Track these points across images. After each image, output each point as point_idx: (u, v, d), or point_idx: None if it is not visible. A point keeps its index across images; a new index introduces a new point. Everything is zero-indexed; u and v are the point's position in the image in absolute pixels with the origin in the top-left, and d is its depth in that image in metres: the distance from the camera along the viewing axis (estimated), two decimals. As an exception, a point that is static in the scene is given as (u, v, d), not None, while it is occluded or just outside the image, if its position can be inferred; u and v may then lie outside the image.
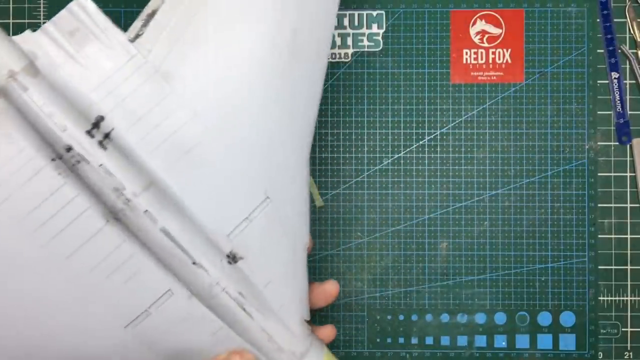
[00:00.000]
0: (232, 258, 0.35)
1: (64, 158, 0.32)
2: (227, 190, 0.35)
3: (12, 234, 0.33)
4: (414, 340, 0.49)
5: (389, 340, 0.49)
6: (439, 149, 0.50)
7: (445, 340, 0.49)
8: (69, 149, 0.32)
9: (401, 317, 0.49)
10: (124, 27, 0.34)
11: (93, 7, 0.34)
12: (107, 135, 0.33)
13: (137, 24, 0.34)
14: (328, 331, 0.40)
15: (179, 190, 0.34)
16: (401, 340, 0.49)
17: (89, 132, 0.33)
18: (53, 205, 0.33)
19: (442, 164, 0.50)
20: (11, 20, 0.50)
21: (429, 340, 0.49)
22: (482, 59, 0.50)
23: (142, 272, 0.34)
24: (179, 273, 0.34)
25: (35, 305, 0.33)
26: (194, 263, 0.34)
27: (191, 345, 0.35)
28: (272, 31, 0.35)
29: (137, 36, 0.34)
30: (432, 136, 0.50)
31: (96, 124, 0.33)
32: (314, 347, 0.37)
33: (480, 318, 0.49)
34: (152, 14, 0.34)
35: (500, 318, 0.49)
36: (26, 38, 0.33)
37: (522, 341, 0.49)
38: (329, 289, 0.39)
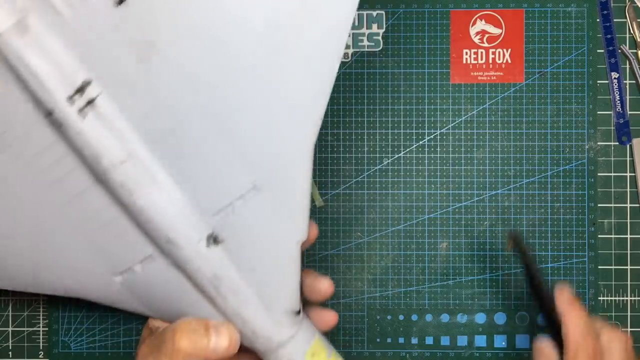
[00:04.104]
0: (213, 240, 0.35)
1: (52, 117, 0.33)
2: (210, 173, 0.34)
3: (15, 179, 0.34)
4: (414, 340, 0.49)
5: (389, 340, 0.49)
6: (439, 149, 0.50)
7: (445, 340, 0.49)
8: (51, 113, 0.32)
9: (401, 317, 0.49)
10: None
11: None
12: (90, 102, 0.32)
13: None
14: (327, 316, 0.39)
15: (159, 166, 0.33)
16: (401, 340, 0.49)
17: (70, 98, 0.32)
18: (48, 158, 0.33)
19: (442, 164, 0.50)
20: (11, 20, 0.50)
21: (429, 340, 0.49)
22: (482, 59, 0.50)
23: (125, 234, 0.35)
24: (157, 244, 0.35)
25: (29, 236, 0.35)
26: (167, 240, 0.34)
27: (174, 305, 0.36)
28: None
29: (122, 1, 0.32)
30: (432, 136, 0.50)
31: (81, 89, 0.32)
32: (297, 337, 0.36)
33: (480, 318, 0.49)
34: None
35: (500, 318, 0.49)
36: None
37: (522, 341, 0.49)
38: (323, 289, 0.38)
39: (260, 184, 0.34)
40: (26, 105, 0.32)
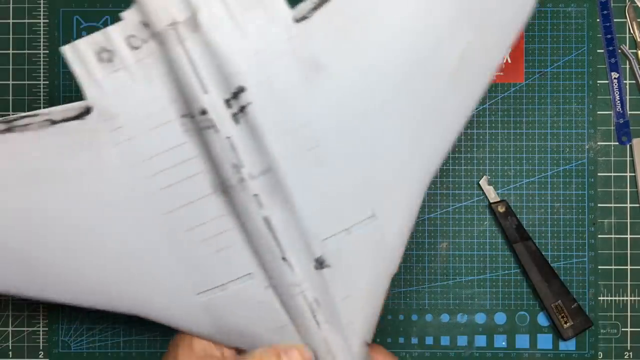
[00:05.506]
0: (320, 263, 0.34)
1: (195, 119, 0.32)
2: (336, 196, 0.34)
3: (123, 174, 0.33)
4: (414, 340, 0.49)
5: (389, 340, 0.49)
6: (439, 149, 0.50)
7: (445, 340, 0.49)
8: (204, 112, 0.32)
9: (401, 317, 0.49)
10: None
11: None
12: (242, 109, 0.32)
13: (307, 5, 0.33)
14: (382, 355, 0.38)
15: (292, 183, 0.33)
16: (401, 340, 0.49)
17: (227, 102, 0.32)
18: (170, 159, 0.33)
19: (441, 163, 0.50)
20: (11, 21, 0.50)
21: (429, 340, 0.49)
22: (482, 59, 0.50)
23: (231, 248, 0.34)
24: (265, 262, 0.34)
25: (119, 246, 0.34)
26: (283, 258, 0.33)
27: (253, 329, 0.35)
28: (439, 48, 0.34)
29: (304, 18, 0.32)
30: (432, 136, 0.50)
31: (235, 94, 0.32)
32: None
33: (480, 318, 0.49)
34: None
35: (500, 318, 0.49)
36: None
37: (522, 341, 0.49)
38: None
39: (378, 212, 0.34)
40: (165, 101, 0.32)
